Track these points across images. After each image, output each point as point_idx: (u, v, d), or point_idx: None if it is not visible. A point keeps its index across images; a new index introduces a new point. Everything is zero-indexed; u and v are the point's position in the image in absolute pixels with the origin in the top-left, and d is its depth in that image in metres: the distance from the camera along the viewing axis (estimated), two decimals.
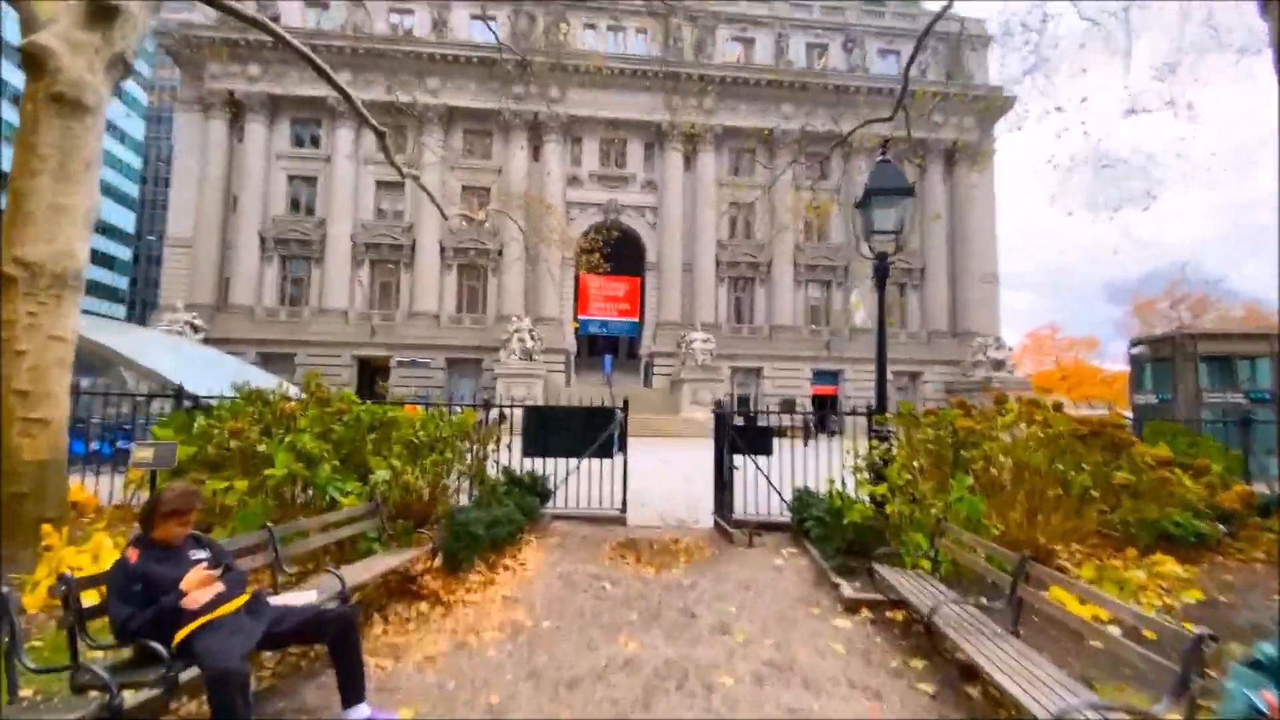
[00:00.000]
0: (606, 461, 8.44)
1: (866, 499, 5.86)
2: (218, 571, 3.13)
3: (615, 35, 39.29)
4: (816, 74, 38.68)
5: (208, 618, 2.97)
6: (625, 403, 8.41)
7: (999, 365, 35.14)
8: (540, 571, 5.95)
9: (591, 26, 38.80)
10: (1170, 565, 5.31)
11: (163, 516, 3.11)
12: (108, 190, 67.94)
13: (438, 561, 5.48)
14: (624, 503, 8.36)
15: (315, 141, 38.08)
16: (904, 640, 4.45)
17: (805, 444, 8.79)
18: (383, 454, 5.63)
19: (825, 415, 29.48)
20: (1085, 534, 5.30)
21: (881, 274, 6.60)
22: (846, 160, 38.25)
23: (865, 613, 4.92)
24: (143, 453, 5.03)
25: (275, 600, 3.33)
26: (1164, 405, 20.09)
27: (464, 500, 7.07)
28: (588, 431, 8.21)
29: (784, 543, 7.34)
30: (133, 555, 3.05)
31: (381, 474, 5.24)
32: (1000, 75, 28.92)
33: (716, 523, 8.07)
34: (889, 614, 4.82)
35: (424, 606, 4.86)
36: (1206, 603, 5.05)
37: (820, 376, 36.68)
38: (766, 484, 7.96)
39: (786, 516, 7.80)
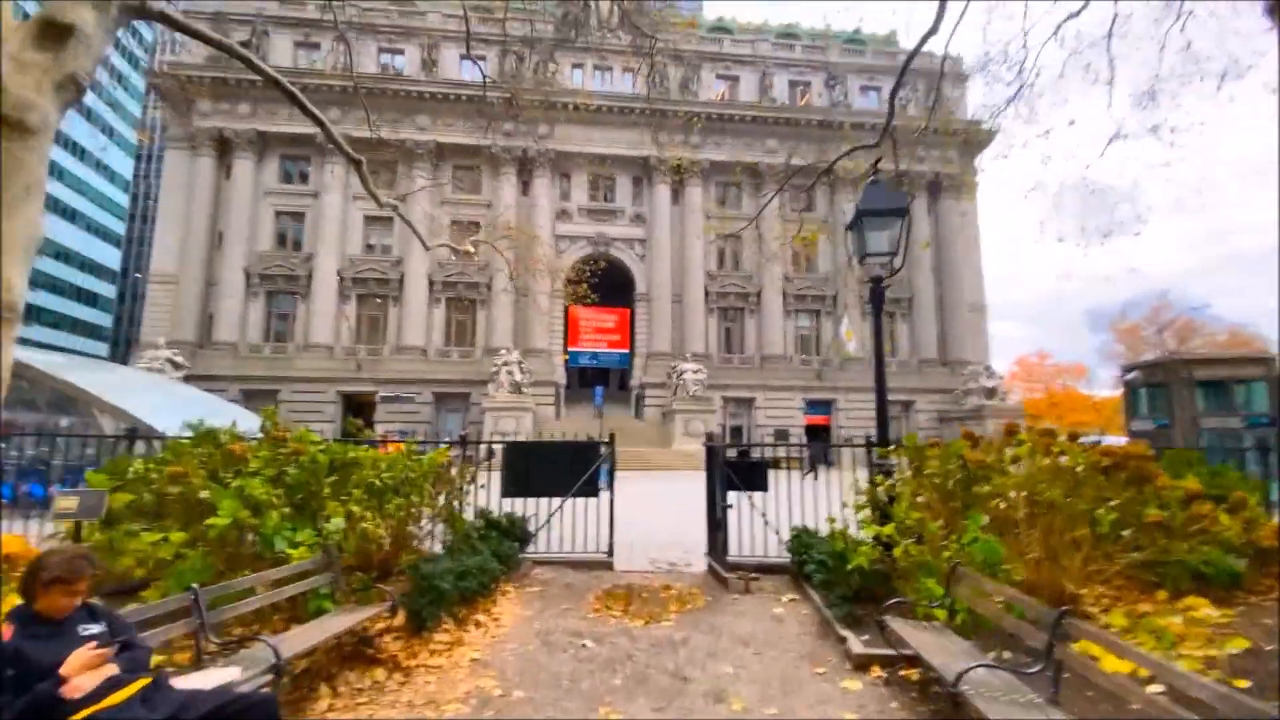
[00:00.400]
0: (593, 501, 7.93)
1: (871, 540, 5.37)
2: (110, 650, 2.62)
3: (602, 75, 39.82)
4: (800, 110, 39.35)
5: (92, 709, 2.45)
6: (611, 437, 7.94)
7: (991, 393, 34.93)
8: (516, 628, 5.39)
9: (579, 66, 39.33)
10: (1205, 609, 4.84)
11: (44, 585, 2.60)
12: (93, 229, 67.66)
13: (400, 619, 4.92)
14: (610, 546, 7.82)
15: (304, 178, 38.03)
16: (923, 705, 3.93)
17: (805, 477, 8.31)
18: (341, 499, 5.11)
19: (825, 447, 29.06)
20: (1109, 576, 4.83)
21: (877, 298, 6.25)
22: (833, 192, 38.82)
23: (877, 671, 4.41)
24: (66, 501, 4.51)
25: (182, 683, 2.80)
26: (1161, 431, 19.87)
27: (437, 547, 6.53)
28: (572, 468, 7.72)
29: (783, 587, 6.81)
30: (6, 632, 2.54)
31: (336, 521, 4.72)
32: (983, 107, 29.31)
33: (710, 566, 7.54)
34: (903, 672, 4.31)
35: (380, 674, 4.30)
36: (1252, 650, 4.58)
37: (813, 406, 36.29)
38: (763, 522, 7.48)
39: (785, 557, 7.29)
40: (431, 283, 36.81)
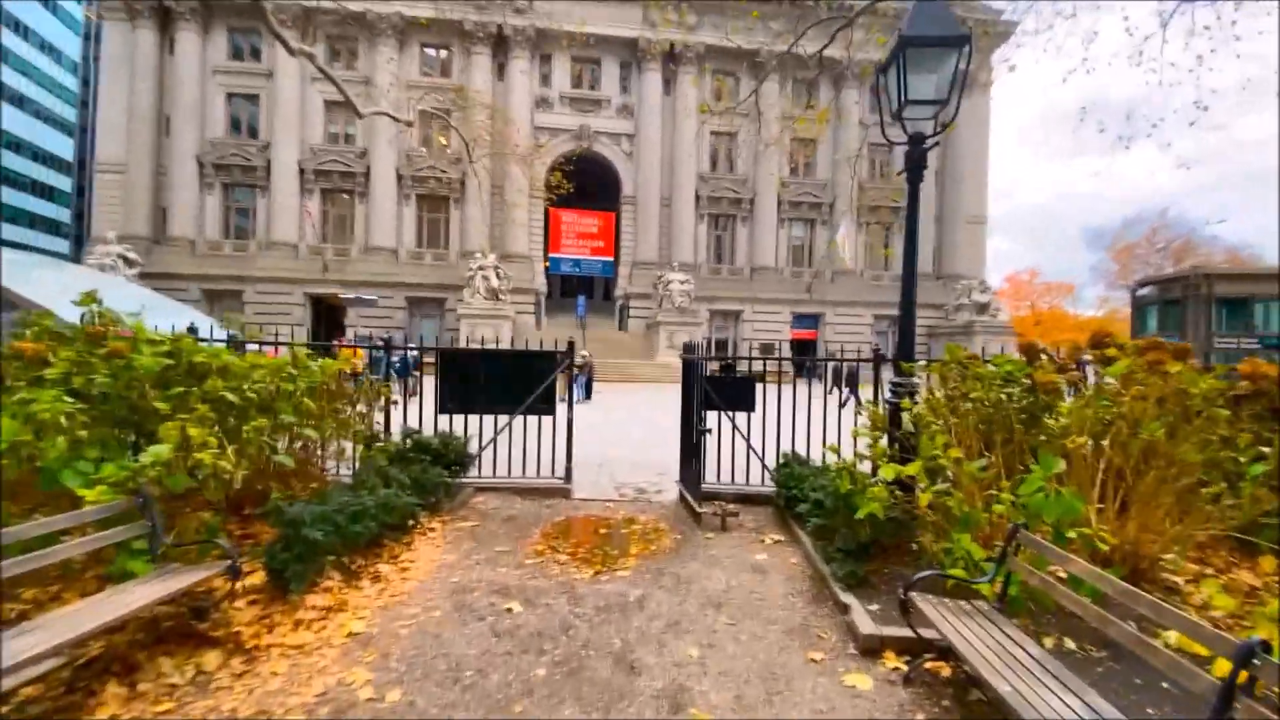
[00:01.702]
0: (552, 419, 6.68)
1: (888, 481, 4.14)
2: None
3: None
4: None
5: None
6: (570, 345, 6.56)
7: (983, 309, 33.79)
8: (426, 582, 4.21)
9: None
10: None
11: None
12: (42, 115, 62.20)
13: (260, 579, 3.70)
14: (568, 470, 6.63)
15: (256, 54, 34.19)
16: None
17: (841, 403, 7.05)
18: (181, 419, 3.75)
19: (839, 362, 28.17)
20: (1203, 540, 3.71)
21: (916, 166, 4.72)
22: (836, 89, 35.77)
23: (892, 660, 3.28)
24: None
25: None
26: None
27: (349, 474, 5.28)
28: (522, 381, 6.39)
29: (767, 524, 5.70)
30: None
31: (156, 450, 3.38)
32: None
33: (682, 495, 6.41)
34: (929, 665, 3.18)
35: (211, 659, 3.09)
36: None
37: (800, 320, 35.07)
38: (745, 447, 6.29)
39: (770, 487, 6.17)
40: (400, 177, 34.10)
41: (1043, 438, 3.83)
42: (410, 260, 34.24)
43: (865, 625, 3.48)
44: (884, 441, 4.47)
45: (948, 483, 3.77)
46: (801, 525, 5.11)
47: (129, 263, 30.25)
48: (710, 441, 6.13)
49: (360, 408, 5.39)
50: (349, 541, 4.04)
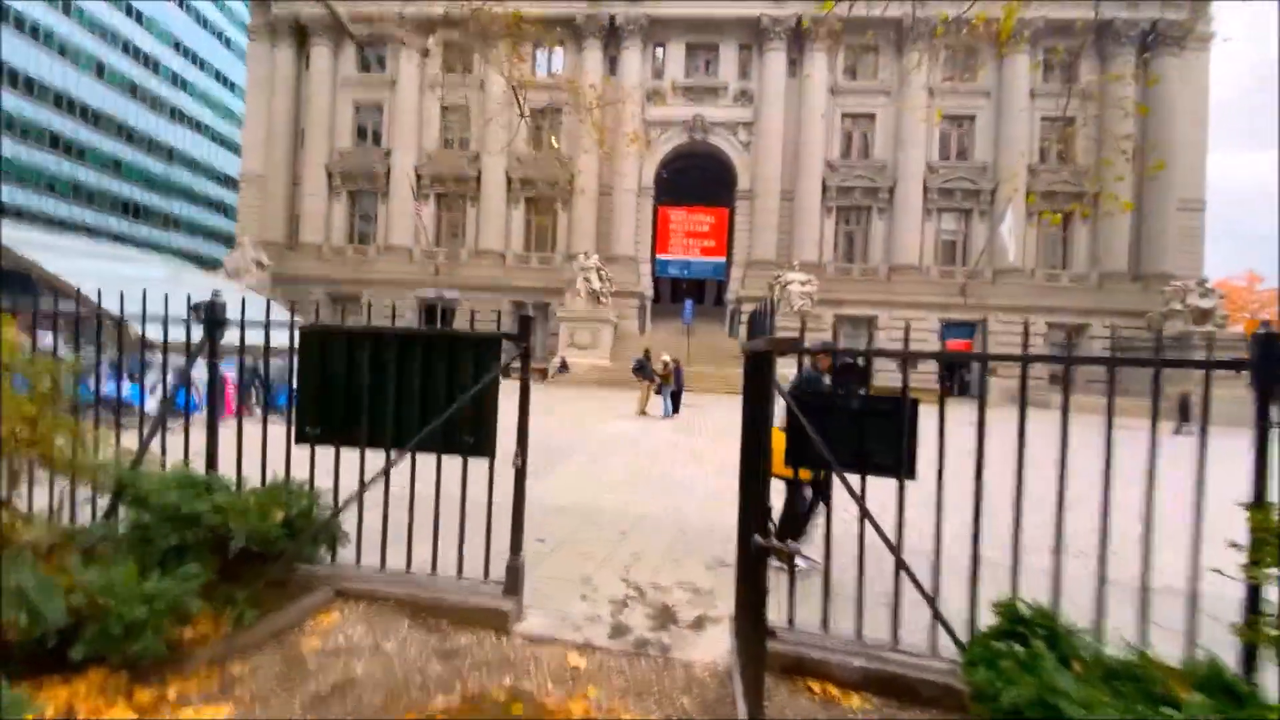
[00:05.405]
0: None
1: None
2: None
3: None
4: None
5: None
6: (524, 323, 3.45)
7: (1204, 316, 26.39)
8: None
9: None
10: None
11: None
12: (218, 139, 70.50)
13: None
14: (511, 574, 3.40)
15: (381, 63, 35.09)
16: None
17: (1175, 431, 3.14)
18: None
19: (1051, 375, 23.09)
20: None
21: None
22: (1001, 57, 30.05)
23: None
24: None
25: None
26: None
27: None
28: (444, 388, 3.40)
29: None
30: None
31: None
32: None
33: (737, 652, 3.09)
34: None
35: None
36: None
37: (952, 329, 29.58)
38: (893, 563, 2.92)
39: (949, 662, 2.77)
40: (510, 180, 33.30)
41: None
42: (516, 264, 33.28)
43: None
44: None
45: None
46: None
47: (261, 265, 31.79)
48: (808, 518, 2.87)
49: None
50: None
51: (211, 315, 3.49)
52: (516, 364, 3.41)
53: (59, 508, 3.20)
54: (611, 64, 32.58)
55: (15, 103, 48.63)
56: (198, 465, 3.47)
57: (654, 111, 32.23)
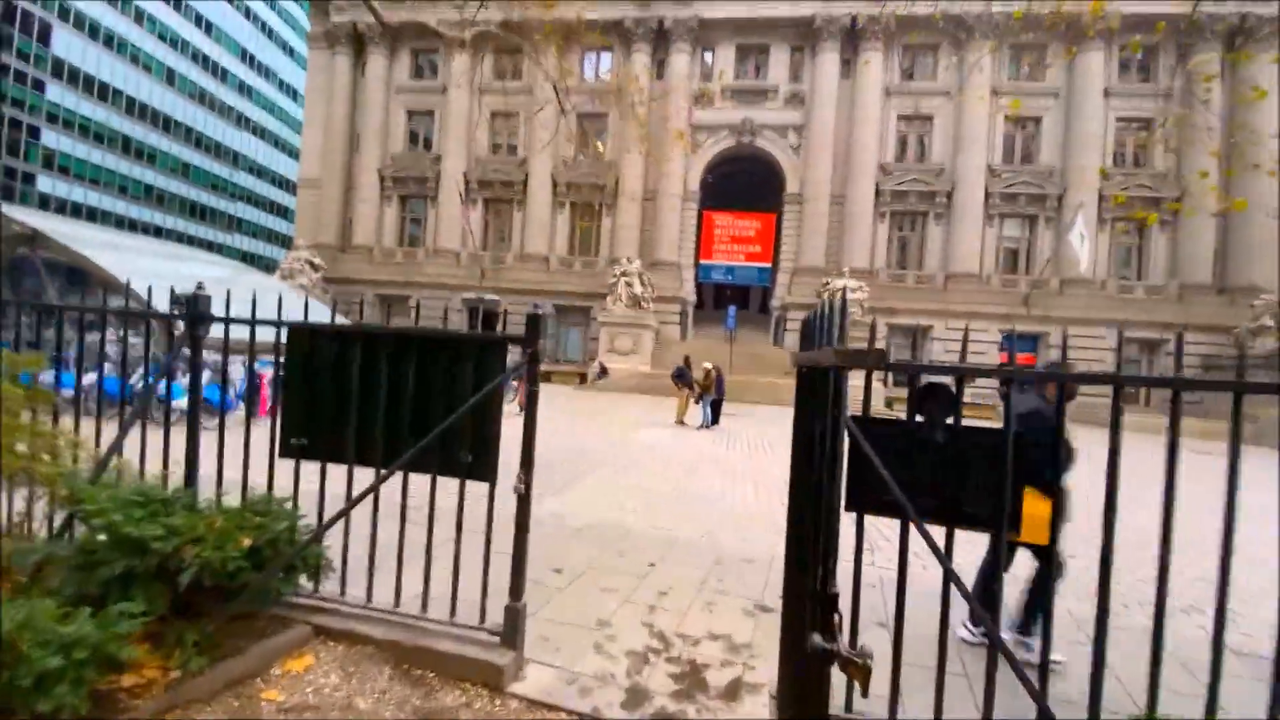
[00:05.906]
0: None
1: None
2: None
3: None
4: None
5: None
6: (531, 323, 2.97)
7: None
8: None
9: None
10: None
11: None
12: (279, 145, 73.43)
13: None
14: (510, 618, 2.90)
15: (433, 70, 35.69)
16: None
17: None
18: None
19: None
20: None
21: None
22: (1071, 55, 28.33)
23: None
24: None
25: None
26: None
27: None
28: (443, 396, 2.95)
29: None
30: None
31: None
32: None
33: None
34: None
35: None
36: None
37: (1013, 341, 27.92)
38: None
39: None
40: (555, 184, 33.27)
41: None
42: (560, 267, 33.20)
43: None
44: None
45: None
46: None
47: (314, 267, 32.58)
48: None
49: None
50: None
51: (194, 310, 3.17)
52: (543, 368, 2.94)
53: (20, 521, 2.91)
54: (659, 68, 32.24)
55: (91, 108, 51.61)
56: (209, 472, 3.14)
57: (701, 115, 31.70)
